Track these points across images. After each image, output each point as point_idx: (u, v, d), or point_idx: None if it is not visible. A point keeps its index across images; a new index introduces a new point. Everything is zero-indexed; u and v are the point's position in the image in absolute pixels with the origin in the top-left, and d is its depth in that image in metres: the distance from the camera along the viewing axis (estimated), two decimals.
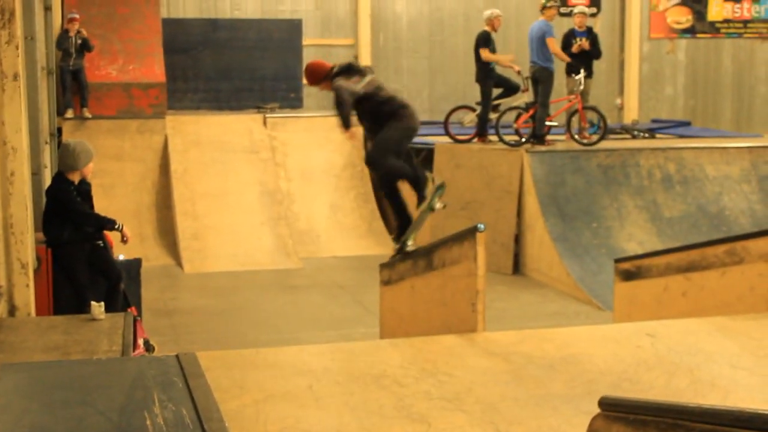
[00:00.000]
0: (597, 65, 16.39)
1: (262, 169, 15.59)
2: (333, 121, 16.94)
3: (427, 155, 14.95)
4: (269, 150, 15.94)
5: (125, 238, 8.15)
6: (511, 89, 14.14)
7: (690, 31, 20.00)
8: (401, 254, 8.40)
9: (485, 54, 13.87)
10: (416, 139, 15.66)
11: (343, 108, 8.23)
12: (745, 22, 20.23)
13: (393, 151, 8.35)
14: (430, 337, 6.41)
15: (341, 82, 8.35)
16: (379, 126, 8.40)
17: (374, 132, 8.50)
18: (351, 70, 8.50)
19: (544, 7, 13.82)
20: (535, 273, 13.05)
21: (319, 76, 8.56)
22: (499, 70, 14.20)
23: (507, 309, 11.39)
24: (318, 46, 18.09)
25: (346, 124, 8.20)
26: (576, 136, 13.89)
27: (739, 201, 13.61)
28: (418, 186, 8.60)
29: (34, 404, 3.19)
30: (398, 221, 8.78)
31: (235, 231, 14.50)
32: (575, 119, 14.01)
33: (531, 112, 13.72)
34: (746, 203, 13.67)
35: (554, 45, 13.54)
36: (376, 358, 5.48)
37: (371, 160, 8.52)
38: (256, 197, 15.14)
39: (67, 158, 8.04)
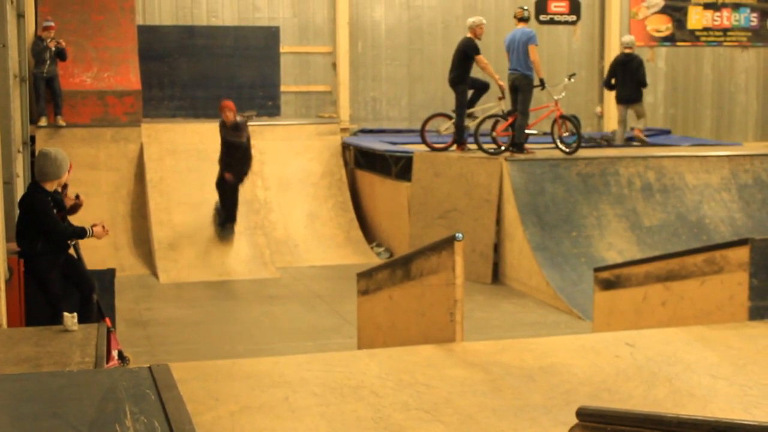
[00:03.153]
0: (577, 74, 16.46)
1: None
2: (311, 129, 17.07)
3: (405, 164, 14.96)
4: None
5: (103, 233, 8.12)
6: (482, 88, 14.17)
7: (670, 39, 20.11)
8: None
9: (483, 61, 13.89)
10: (395, 148, 15.81)
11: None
12: (725, 31, 20.37)
13: None
14: (408, 348, 6.41)
15: None
16: None
17: None
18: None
19: (522, 18, 13.86)
20: (514, 282, 13.07)
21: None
22: (477, 74, 14.25)
23: (486, 319, 11.40)
24: (295, 54, 18.09)
25: None
26: (560, 145, 13.94)
27: (718, 209, 13.69)
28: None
29: (4, 417, 3.16)
30: None
31: (212, 240, 14.45)
32: (555, 128, 14.06)
33: (510, 120, 13.75)
34: (726, 212, 13.75)
35: (536, 53, 13.59)
36: (353, 369, 5.47)
37: None
38: None
39: (48, 167, 7.93)
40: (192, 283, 13.51)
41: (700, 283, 7.57)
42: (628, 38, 16.50)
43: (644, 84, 16.06)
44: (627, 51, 16.15)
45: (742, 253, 7.08)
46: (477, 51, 13.97)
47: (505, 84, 14.06)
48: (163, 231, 14.44)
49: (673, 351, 6.31)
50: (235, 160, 14.02)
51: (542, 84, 13.69)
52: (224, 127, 14.07)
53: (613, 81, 16.17)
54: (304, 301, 12.54)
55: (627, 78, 15.97)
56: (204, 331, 11.02)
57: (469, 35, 14.12)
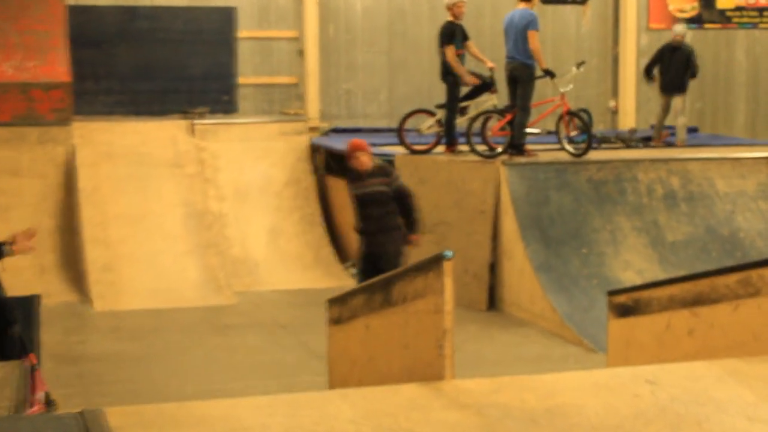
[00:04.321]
0: (587, 62, 16.55)
1: (189, 187, 15.54)
2: (274, 128, 17.05)
3: None
4: (197, 163, 15.89)
5: (26, 247, 7.96)
6: (482, 86, 14.23)
7: (696, 21, 20.23)
8: None
9: (449, 54, 13.95)
10: (374, 150, 15.78)
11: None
12: (761, 10, 20.52)
13: None
14: (389, 387, 6.39)
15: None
16: None
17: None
18: None
19: None
20: (514, 309, 13.08)
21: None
22: (469, 63, 14.29)
23: (481, 352, 11.40)
24: (255, 40, 18.11)
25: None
26: (567, 146, 13.99)
27: (755, 221, 13.75)
28: None
29: None
30: None
31: (156, 261, 14.42)
32: (561, 125, 14.12)
33: (508, 117, 13.79)
34: (764, 224, 13.80)
35: (536, 40, 13.65)
36: (323, 412, 5.46)
37: None
38: (180, 220, 15.08)
39: None
40: (132, 312, 13.44)
41: (733, 309, 7.59)
42: (680, 27, 17.28)
43: (695, 74, 16.86)
44: (678, 39, 16.88)
45: None
46: (449, 39, 14.02)
47: (496, 67, 14.12)
48: (98, 250, 14.38)
49: (702, 388, 6.32)
50: (383, 226, 10.65)
51: (550, 74, 13.74)
52: (357, 179, 10.76)
53: (655, 70, 16.60)
54: (266, 332, 12.48)
55: (675, 65, 16.72)
56: (146, 369, 10.94)
57: (449, 17, 14.20)
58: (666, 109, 16.90)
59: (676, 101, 16.73)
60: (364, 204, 10.62)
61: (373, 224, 10.57)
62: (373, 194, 10.55)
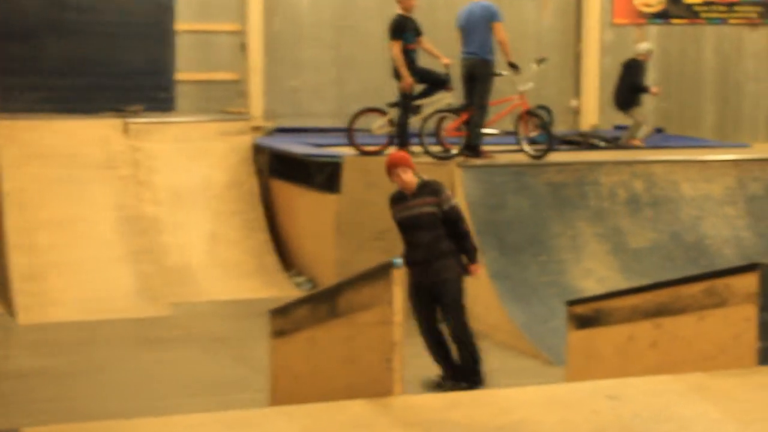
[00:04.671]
0: (548, 59, 16.60)
1: (122, 190, 15.42)
2: (214, 127, 16.96)
3: (332, 171, 14.94)
4: (131, 165, 15.78)
5: None
6: (438, 84, 14.23)
7: (662, 16, 20.36)
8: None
9: (395, 50, 13.93)
10: (320, 151, 15.78)
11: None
12: (731, 5, 20.69)
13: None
14: (334, 403, 6.38)
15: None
16: None
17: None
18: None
19: None
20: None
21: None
22: (423, 59, 14.29)
23: (432, 366, 11.37)
24: (195, 33, 18.00)
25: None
26: (526, 147, 14.01)
27: (722, 227, 13.85)
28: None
29: None
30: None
31: (85, 269, 14.31)
32: (520, 126, 14.14)
33: (464, 116, 13.81)
34: (731, 230, 13.91)
35: (502, 31, 13.68)
36: (263, 431, 5.43)
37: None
38: (112, 225, 14.96)
39: None
40: (59, 324, 13.31)
41: (698, 320, 7.64)
42: (644, 46, 17.70)
43: (638, 88, 17.13)
44: (640, 58, 17.40)
45: (750, 282, 7.16)
46: (398, 33, 14.01)
47: (451, 62, 14.13)
48: (23, 257, 14.25)
49: (665, 404, 6.35)
50: (434, 252, 9.55)
51: (514, 67, 13.80)
52: (399, 201, 9.68)
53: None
54: (203, 346, 12.42)
55: (622, 81, 17.23)
56: (74, 386, 10.84)
57: (399, 11, 14.20)
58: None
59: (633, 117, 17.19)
60: (407, 229, 9.56)
61: (421, 252, 9.47)
62: (419, 216, 9.44)
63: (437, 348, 9.85)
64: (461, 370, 9.69)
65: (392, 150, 14.43)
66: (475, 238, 12.86)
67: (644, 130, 16.98)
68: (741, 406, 6.26)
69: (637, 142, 16.75)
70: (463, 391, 8.74)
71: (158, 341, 12.67)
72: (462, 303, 9.55)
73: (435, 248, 9.42)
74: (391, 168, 9.52)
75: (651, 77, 20.31)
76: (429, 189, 9.52)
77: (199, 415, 6.53)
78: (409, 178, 9.49)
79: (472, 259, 9.60)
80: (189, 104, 18.04)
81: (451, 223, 9.47)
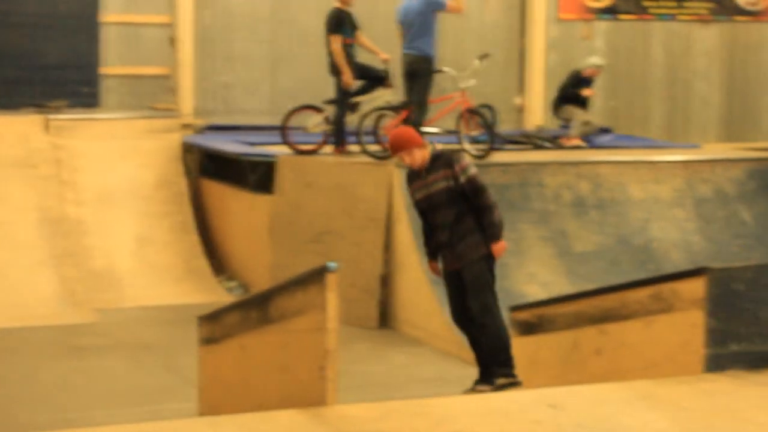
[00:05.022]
0: (492, 55, 16.66)
1: (43, 190, 15.31)
2: (142, 125, 16.87)
3: (266, 171, 14.91)
4: (53, 164, 15.66)
5: None
6: (376, 80, 14.26)
7: (610, 11, 20.50)
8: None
9: (335, 44, 13.95)
10: (253, 150, 15.73)
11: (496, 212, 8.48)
12: (680, 1, 20.87)
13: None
14: (265, 413, 6.38)
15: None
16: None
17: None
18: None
19: None
20: (407, 326, 13.10)
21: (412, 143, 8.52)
22: (361, 55, 14.31)
23: (370, 374, 11.41)
24: (121, 25, 17.88)
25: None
26: (468, 147, 14.06)
27: (670, 230, 13.97)
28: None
29: None
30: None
31: (5, 274, 14.18)
32: (462, 124, 14.18)
33: (404, 114, 13.83)
34: (679, 233, 14.04)
35: (450, 4, 13.72)
36: None
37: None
38: (33, 227, 14.85)
39: None
40: None
41: (644, 326, 7.71)
42: (594, 60, 17.70)
43: (570, 98, 17.27)
44: (589, 72, 17.46)
45: (697, 287, 7.24)
46: (336, 27, 14.03)
47: (389, 58, 14.16)
48: None
49: (609, 413, 6.40)
50: (458, 233, 8.57)
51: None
52: (415, 179, 8.75)
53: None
54: (130, 354, 12.35)
55: (563, 90, 17.44)
56: None
57: (336, 4, 14.21)
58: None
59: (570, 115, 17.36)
60: (425, 210, 8.70)
61: (444, 234, 8.56)
62: (436, 194, 8.53)
63: (471, 345, 8.85)
64: (488, 363, 8.50)
65: (329, 149, 14.45)
66: (415, 242, 12.95)
67: (581, 129, 16.96)
68: (688, 415, 6.33)
69: (575, 141, 16.76)
70: (503, 389, 8.06)
71: (82, 349, 12.56)
72: (484, 283, 8.44)
73: (458, 228, 8.47)
74: (394, 152, 8.71)
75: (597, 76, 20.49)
76: (443, 161, 8.54)
77: (125, 426, 6.50)
78: (417, 157, 8.51)
79: (492, 236, 8.40)
80: (115, 100, 17.91)
81: (471, 195, 8.43)
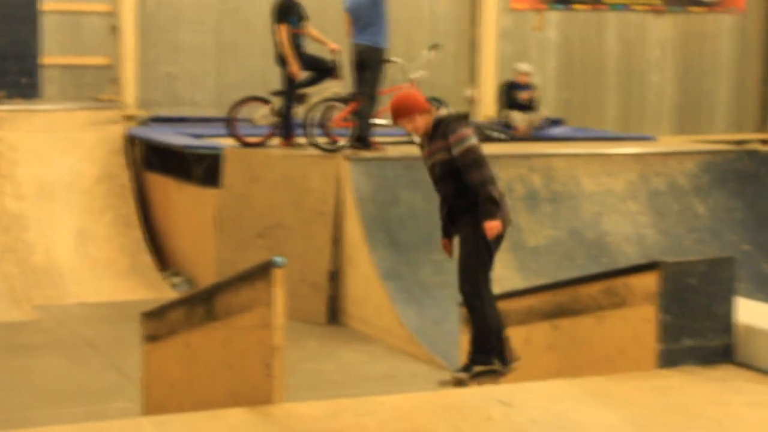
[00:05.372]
0: (443, 46, 16.71)
1: None
2: (83, 116, 16.78)
3: (212, 164, 14.88)
4: None
5: None
6: (325, 71, 14.26)
7: (564, 1, 20.60)
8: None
9: (282, 34, 13.93)
10: (199, 143, 15.69)
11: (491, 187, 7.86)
12: None
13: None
14: (210, 412, 6.38)
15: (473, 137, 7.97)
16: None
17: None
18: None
19: None
20: (357, 322, 13.13)
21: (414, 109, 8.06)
22: (309, 45, 14.30)
23: (319, 371, 11.42)
24: (62, 13, 17.77)
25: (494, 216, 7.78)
26: (416, 139, 14.08)
27: (623, 224, 14.07)
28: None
29: None
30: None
31: None
32: None
33: (353, 106, 13.84)
34: (633, 227, 14.13)
35: None
36: None
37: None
38: None
39: None
40: None
41: (597, 321, 7.77)
42: (524, 66, 17.78)
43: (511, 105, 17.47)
44: (521, 79, 17.56)
45: (650, 281, 7.30)
46: (283, 17, 14.03)
47: (338, 48, 14.18)
48: None
49: (562, 410, 6.45)
50: (457, 209, 8.14)
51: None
52: (423, 147, 8.34)
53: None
54: (72, 352, 12.27)
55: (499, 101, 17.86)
56: None
57: None
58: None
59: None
60: (432, 181, 8.26)
61: (444, 208, 8.27)
62: (433, 166, 8.11)
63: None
64: (472, 350, 7.98)
65: (276, 141, 14.44)
66: (365, 236, 12.98)
67: (522, 118, 17.04)
68: (640, 411, 6.38)
69: (522, 129, 16.83)
70: (480, 375, 7.66)
71: (22, 347, 12.48)
72: (475, 264, 7.94)
73: (457, 204, 8.04)
74: (395, 120, 8.26)
75: (551, 66, 20.59)
76: (441, 130, 8.02)
77: (67, 426, 6.47)
78: (420, 124, 8.07)
79: (483, 213, 7.82)
80: (56, 91, 17.80)
81: (462, 170, 7.89)
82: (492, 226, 7.77)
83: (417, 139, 8.50)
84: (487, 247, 7.92)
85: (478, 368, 7.72)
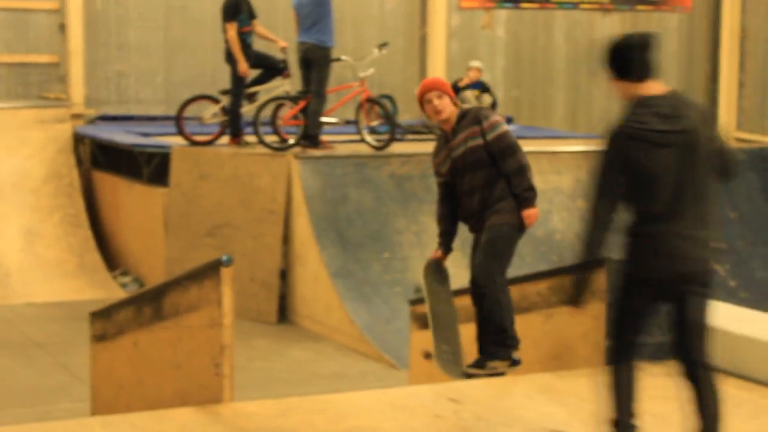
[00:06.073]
0: (392, 44, 16.72)
1: None
2: (30, 115, 16.67)
3: (161, 162, 14.83)
4: None
5: None
6: (274, 70, 14.24)
7: (513, 0, 20.68)
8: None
9: (230, 32, 13.91)
10: (147, 141, 15.62)
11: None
12: None
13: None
14: (159, 411, 6.36)
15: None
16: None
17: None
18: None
19: None
20: (307, 321, 13.13)
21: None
22: (257, 44, 14.28)
23: (269, 370, 11.42)
24: (8, 11, 17.65)
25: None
26: (367, 137, 14.11)
27: (572, 222, 14.11)
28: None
29: None
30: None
31: None
32: (361, 114, 14.22)
33: (301, 104, 13.83)
34: (581, 224, 14.20)
35: None
36: None
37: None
38: None
39: None
40: None
41: (545, 318, 7.81)
42: (474, 63, 17.83)
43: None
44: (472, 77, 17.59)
45: (598, 278, 7.34)
46: (232, 15, 13.99)
47: (287, 46, 14.18)
48: None
49: (510, 407, 6.48)
50: (488, 200, 7.72)
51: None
52: (442, 146, 7.88)
53: None
54: (19, 352, 12.22)
55: None
56: None
57: None
58: None
59: None
60: (455, 177, 7.75)
61: (472, 201, 7.72)
62: (465, 154, 7.65)
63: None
64: (483, 342, 7.46)
65: (225, 140, 14.42)
66: (314, 235, 12.98)
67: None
68: (588, 407, 6.42)
69: None
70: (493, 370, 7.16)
71: None
72: (500, 250, 7.65)
73: (488, 193, 7.61)
74: (423, 95, 7.71)
75: (499, 65, 20.66)
76: (470, 118, 7.66)
77: (11, 427, 6.43)
78: (446, 105, 7.64)
79: (525, 201, 7.61)
80: (2, 89, 17.69)
81: (497, 157, 7.56)
82: (531, 214, 7.64)
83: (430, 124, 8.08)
84: (515, 238, 7.75)
85: (496, 364, 7.23)
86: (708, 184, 5.57)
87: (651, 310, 5.79)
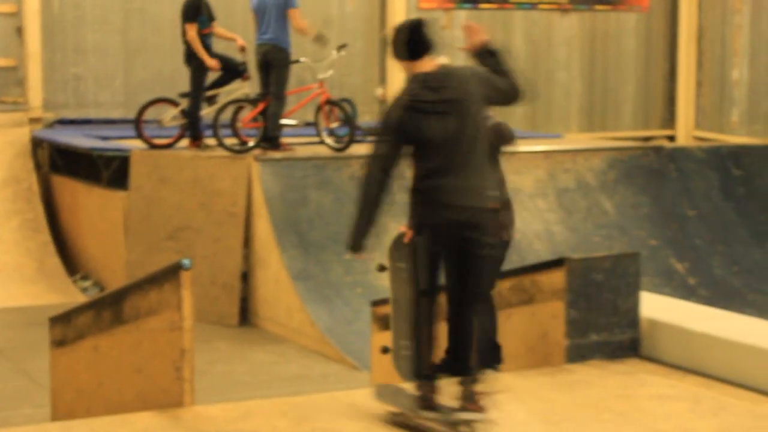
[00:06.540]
0: (352, 46, 16.73)
1: None
2: None
3: (120, 166, 14.78)
4: None
5: None
6: (234, 72, 14.23)
7: (471, 0, 20.73)
8: None
9: (191, 33, 13.89)
10: (106, 145, 15.57)
11: None
12: None
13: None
14: (119, 416, 6.36)
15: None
16: None
17: None
18: None
19: None
20: (269, 323, 13.11)
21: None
22: (217, 45, 14.27)
23: (231, 373, 11.40)
24: None
25: None
26: (327, 139, 14.13)
27: (532, 222, 14.19)
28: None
29: None
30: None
31: None
32: (321, 116, 14.24)
33: (261, 106, 13.83)
34: (542, 224, 14.26)
35: (299, 18, 13.76)
36: None
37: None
38: None
39: None
40: None
41: (505, 318, 7.84)
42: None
43: None
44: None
45: (557, 278, 7.40)
46: (192, 16, 13.98)
47: (245, 44, 14.18)
48: None
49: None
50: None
51: (321, 40, 14.05)
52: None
53: None
54: None
55: None
56: None
57: None
58: None
59: None
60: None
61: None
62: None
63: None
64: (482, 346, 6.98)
65: (185, 143, 14.39)
66: (275, 237, 12.98)
67: None
68: (548, 406, 6.46)
69: None
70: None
71: None
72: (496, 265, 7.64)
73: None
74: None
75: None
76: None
77: None
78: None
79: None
80: None
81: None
82: None
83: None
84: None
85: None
86: (478, 141, 6.49)
87: (440, 256, 6.66)
